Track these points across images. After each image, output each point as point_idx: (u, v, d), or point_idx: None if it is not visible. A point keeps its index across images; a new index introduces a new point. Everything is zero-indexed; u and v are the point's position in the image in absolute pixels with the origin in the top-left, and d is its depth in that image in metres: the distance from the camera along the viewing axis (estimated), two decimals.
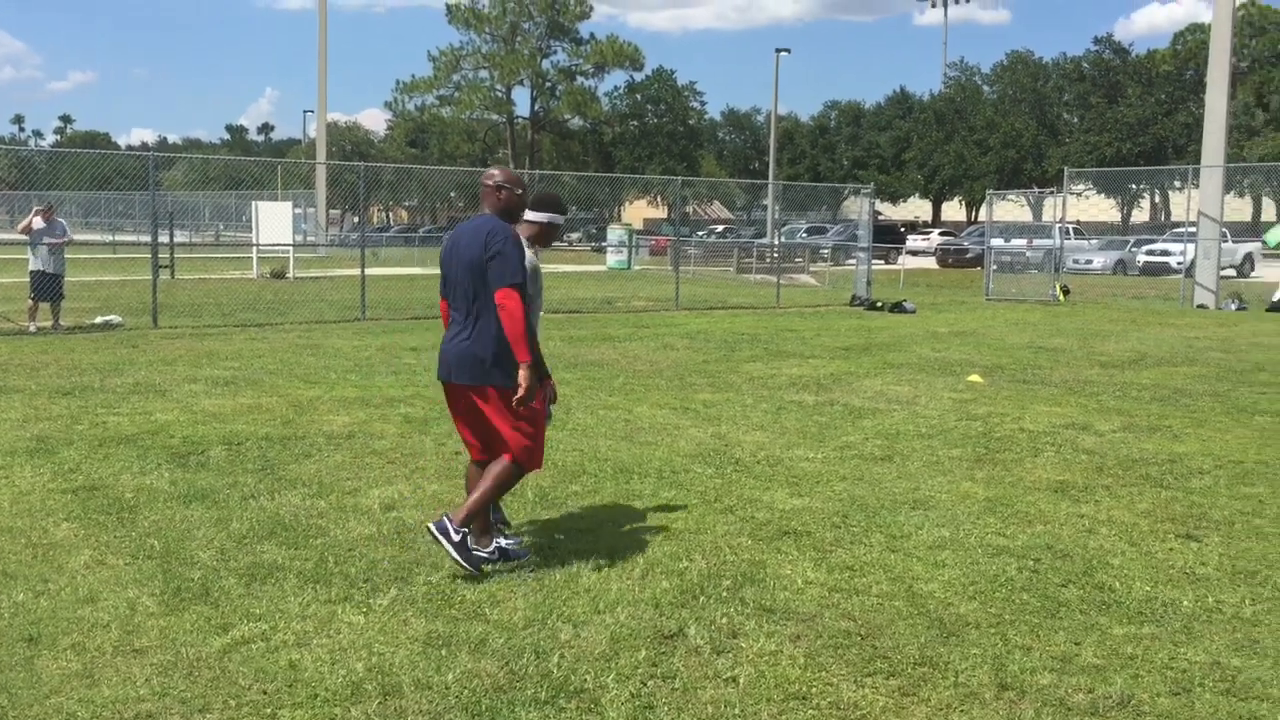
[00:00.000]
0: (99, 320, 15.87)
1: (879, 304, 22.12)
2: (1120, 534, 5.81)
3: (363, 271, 18.50)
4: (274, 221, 27.54)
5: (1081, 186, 61.11)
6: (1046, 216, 45.79)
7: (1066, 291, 25.50)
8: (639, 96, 74.81)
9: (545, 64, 68.20)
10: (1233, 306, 23.29)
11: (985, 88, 74.24)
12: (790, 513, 6.13)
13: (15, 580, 4.88)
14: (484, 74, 67.95)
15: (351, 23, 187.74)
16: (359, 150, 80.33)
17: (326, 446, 7.71)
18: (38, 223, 15.12)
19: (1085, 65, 66.97)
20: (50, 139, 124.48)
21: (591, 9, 67.75)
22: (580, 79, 68.87)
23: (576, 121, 71.55)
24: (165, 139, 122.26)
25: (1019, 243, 31.98)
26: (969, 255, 42.68)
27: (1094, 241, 44.21)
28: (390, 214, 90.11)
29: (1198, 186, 25.25)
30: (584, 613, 4.53)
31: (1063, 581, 5.02)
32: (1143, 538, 5.74)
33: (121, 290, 21.46)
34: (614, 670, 3.98)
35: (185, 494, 6.35)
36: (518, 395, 4.84)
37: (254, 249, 29.19)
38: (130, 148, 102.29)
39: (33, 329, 14.83)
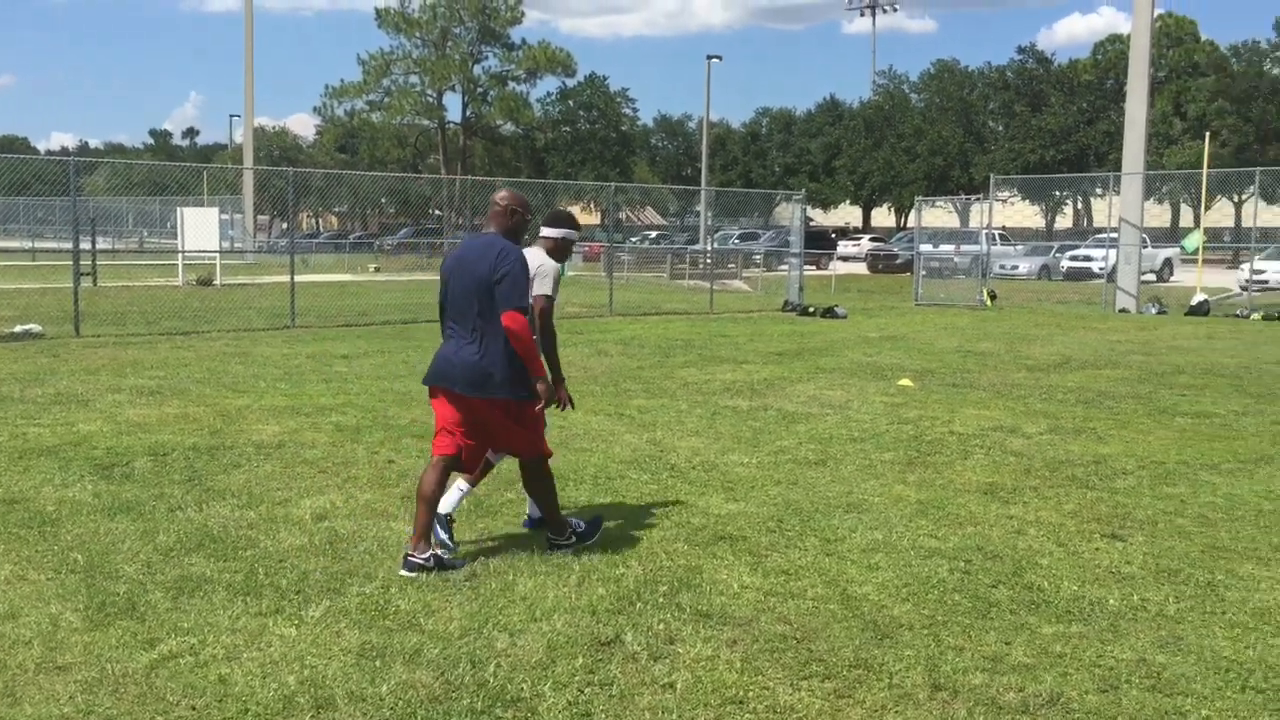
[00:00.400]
0: (18, 329, 15.45)
1: (811, 309, 22.33)
2: (1048, 534, 5.92)
3: (292, 278, 18.25)
4: (200, 228, 27.04)
5: (1007, 193, 62.19)
6: (973, 223, 46.54)
7: (993, 296, 25.95)
8: (571, 103, 74.77)
9: (477, 69, 67.79)
10: (1153, 310, 23.87)
11: (913, 96, 75.35)
12: (726, 518, 6.16)
13: None
14: (415, 79, 67.36)
15: (279, 26, 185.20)
16: (287, 156, 79.25)
17: (256, 456, 7.58)
18: None
19: (1009, 74, 68.25)
20: None
21: (523, 15, 67.58)
22: (512, 85, 68.58)
23: (509, 127, 71.22)
24: (86, 143, 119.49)
25: (947, 249, 32.51)
26: (899, 261, 43.27)
27: (1019, 247, 45.08)
28: (320, 220, 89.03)
29: (1119, 193, 25.86)
30: (520, 621, 4.51)
31: (993, 582, 5.10)
32: (1070, 538, 5.85)
33: (42, 298, 20.94)
34: (551, 678, 3.96)
35: (109, 506, 6.21)
36: (539, 406, 5.23)
37: (179, 255, 28.64)
38: (50, 152, 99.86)
39: None
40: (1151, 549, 5.66)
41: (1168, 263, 39.16)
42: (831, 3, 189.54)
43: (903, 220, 73.33)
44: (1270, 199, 56.65)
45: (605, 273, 26.44)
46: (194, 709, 3.71)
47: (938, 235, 35.13)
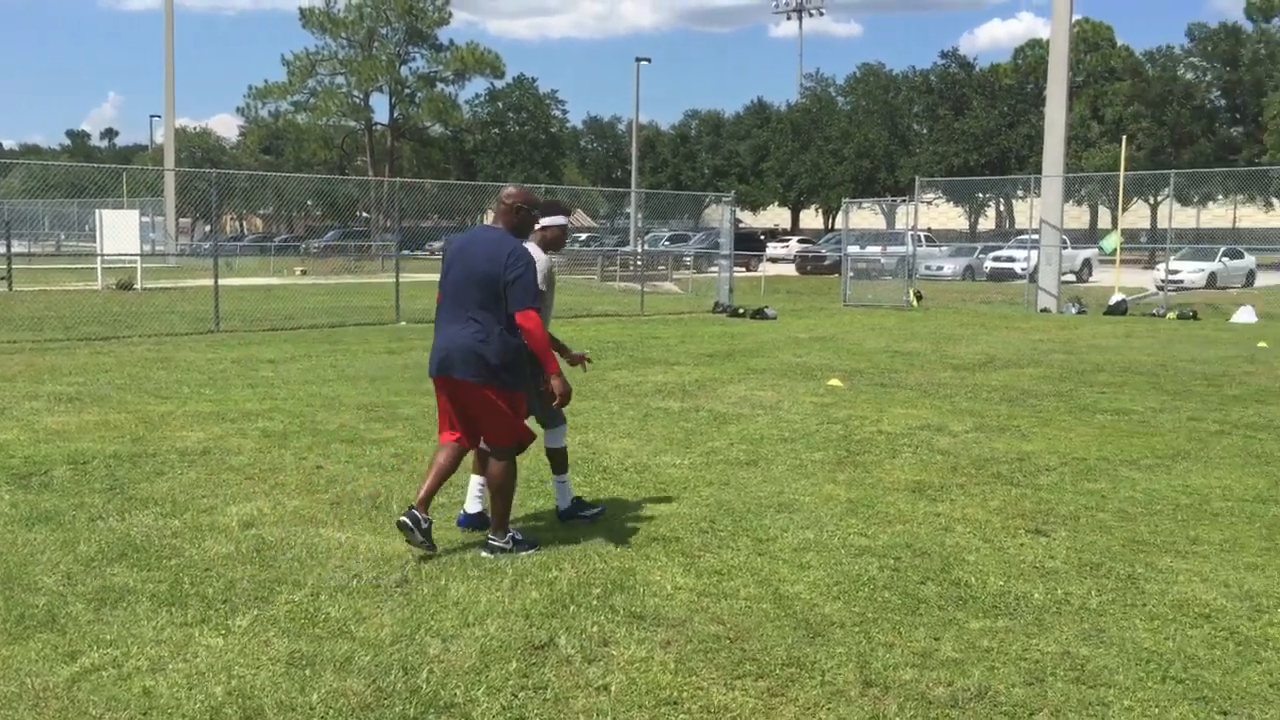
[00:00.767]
0: None
1: (741, 310, 22.47)
2: (975, 531, 6.01)
3: (216, 282, 17.93)
4: (120, 230, 26.45)
5: (931, 195, 63.08)
6: (899, 224, 47.23)
7: (919, 297, 26.34)
8: (500, 104, 74.47)
9: (404, 70, 67.27)
10: (1073, 310, 24.40)
11: (839, 99, 76.23)
12: (658, 519, 6.17)
13: None
14: (341, 80, 66.64)
15: (200, 25, 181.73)
16: (210, 157, 77.84)
17: (180, 464, 7.44)
18: None
19: (933, 78, 69.36)
20: None
21: (450, 16, 67.23)
22: (440, 86, 68.15)
23: (437, 129, 70.75)
24: (0, 145, 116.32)
25: (874, 250, 32.93)
26: (827, 262, 43.73)
27: (944, 249, 45.79)
28: (244, 223, 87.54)
29: (1039, 195, 26.41)
30: (453, 626, 4.47)
31: (922, 579, 5.17)
32: (995, 534, 5.96)
33: None
34: (484, 683, 3.94)
35: (27, 516, 6.04)
36: (555, 403, 5.42)
37: (99, 259, 27.98)
38: None
39: None
40: (1074, 544, 5.78)
41: (1087, 263, 40.08)
42: (758, 6, 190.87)
43: (831, 222, 74.12)
44: (1184, 201, 58.25)
45: None
46: None
47: (865, 237, 35.57)
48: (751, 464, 7.69)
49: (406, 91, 67.76)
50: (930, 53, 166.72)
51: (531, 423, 5.78)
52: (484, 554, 5.38)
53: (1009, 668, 4.13)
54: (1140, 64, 60.83)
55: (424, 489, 5.40)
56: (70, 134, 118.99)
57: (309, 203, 74.78)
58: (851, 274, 28.16)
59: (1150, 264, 40.88)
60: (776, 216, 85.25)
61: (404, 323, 19.15)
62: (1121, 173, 27.09)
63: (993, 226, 71.99)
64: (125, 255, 27.22)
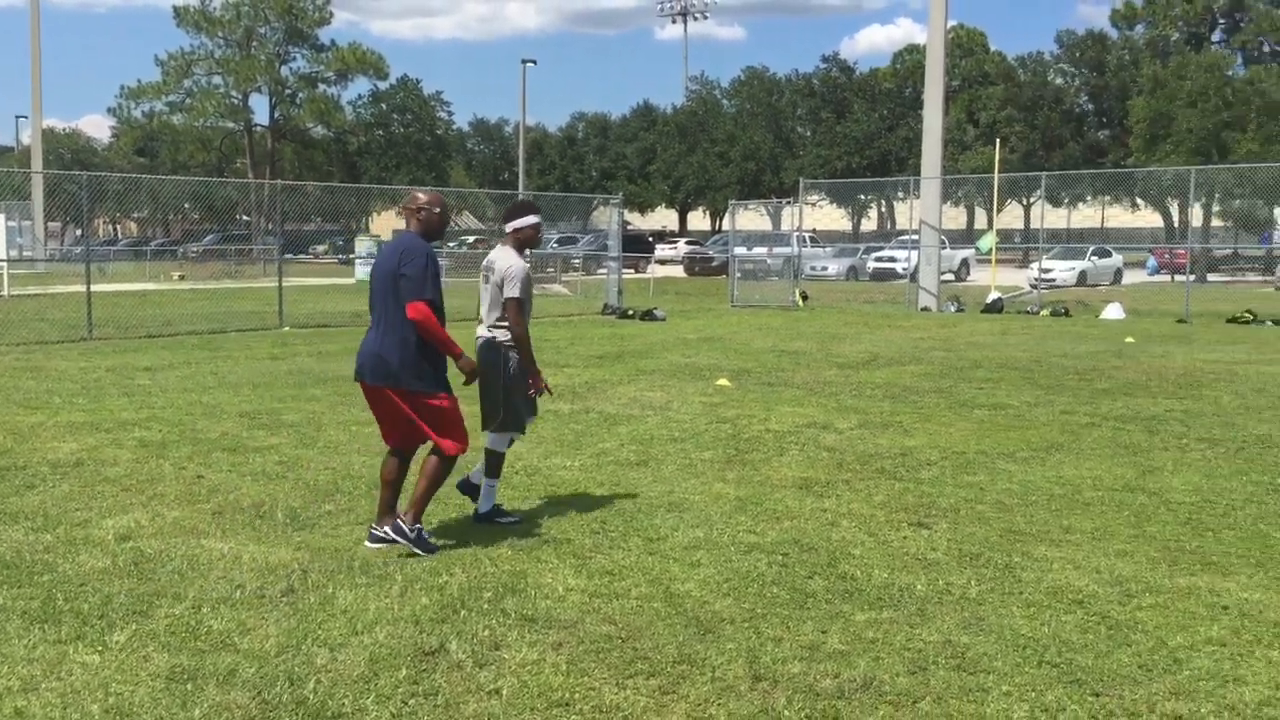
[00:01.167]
0: None
1: (630, 312, 22.55)
2: (860, 525, 6.14)
3: (88, 287, 17.30)
4: None
5: (815, 197, 64.20)
6: (785, 226, 47.92)
7: (805, 297, 26.78)
8: (384, 105, 73.29)
9: (284, 70, 65.71)
10: (952, 309, 25.08)
11: (725, 102, 77.02)
12: (550, 521, 6.16)
13: None
14: (218, 80, 64.86)
15: (69, 22, 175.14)
16: (80, 159, 75.03)
17: (52, 476, 7.16)
18: None
19: (815, 82, 70.61)
20: None
21: (331, 15, 65.99)
22: (322, 87, 66.79)
23: (319, 130, 69.34)
24: None
25: (760, 251, 33.37)
26: (714, 263, 44.16)
27: (829, 249, 46.66)
28: (118, 226, 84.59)
29: (919, 197, 27.08)
30: (341, 635, 4.40)
31: (809, 573, 5.27)
32: (880, 528, 6.10)
33: None
34: (373, 692, 3.88)
35: None
36: (463, 381, 5.60)
37: None
38: None
39: None
40: (955, 535, 5.95)
41: (965, 263, 41.24)
42: (643, 9, 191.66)
43: (718, 223, 74.88)
44: (1055, 202, 60.33)
45: None
46: None
47: (751, 238, 36.02)
48: (642, 464, 7.73)
49: (287, 92, 66.26)
50: (812, 56, 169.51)
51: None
52: (386, 531, 5.47)
53: (893, 658, 4.23)
54: (1012, 69, 62.79)
55: (380, 504, 5.64)
56: None
57: (186, 206, 72.60)
58: (739, 275, 28.49)
59: (1024, 263, 42.29)
60: (664, 218, 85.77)
61: (288, 328, 18.75)
62: (996, 175, 27.96)
63: (875, 227, 73.63)
64: None
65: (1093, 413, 9.99)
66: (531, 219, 6.11)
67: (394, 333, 5.40)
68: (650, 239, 53.04)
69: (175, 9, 62.65)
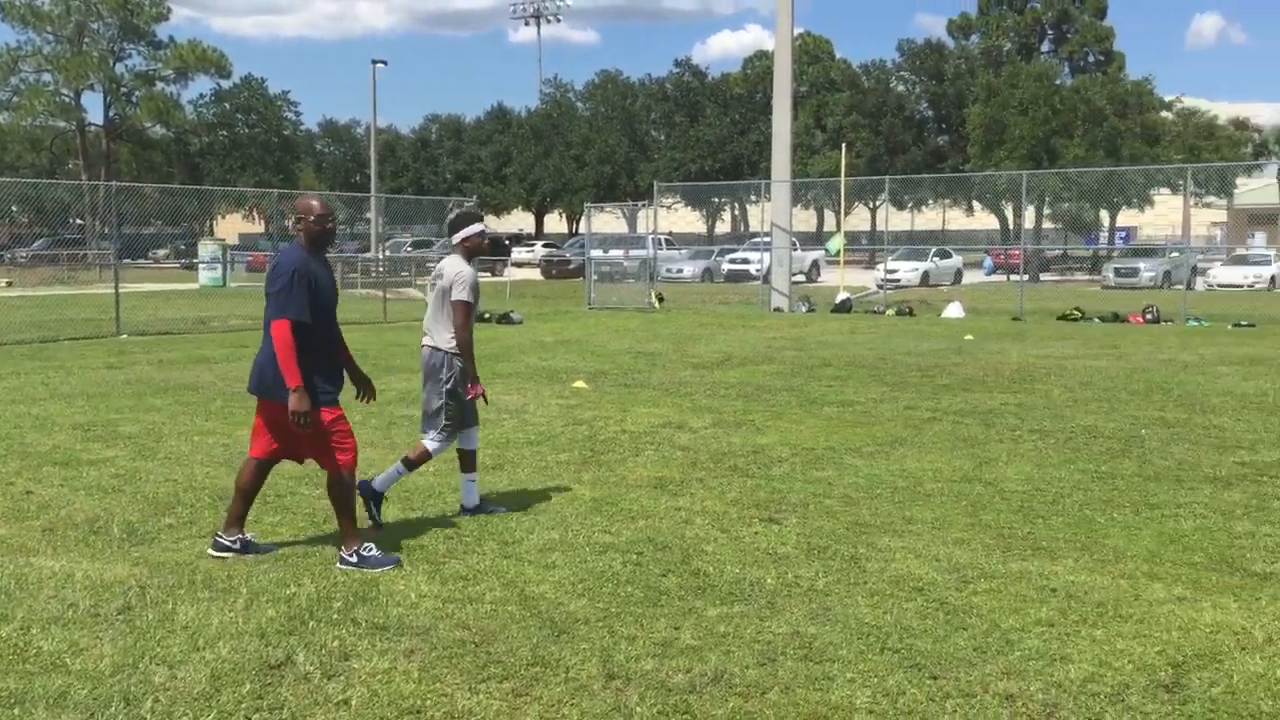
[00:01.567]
0: None
1: (486, 315, 22.38)
2: (713, 522, 6.24)
3: None
4: None
5: (670, 200, 64.99)
6: (641, 228, 48.29)
7: (661, 299, 27.04)
8: (228, 105, 71.03)
9: (119, 68, 63.09)
10: (803, 309, 25.67)
11: (579, 105, 77.17)
12: (402, 528, 6.08)
13: None
14: (48, 77, 61.84)
15: None
16: None
17: None
18: None
19: (669, 86, 71.35)
20: None
21: (170, 11, 63.59)
22: (161, 85, 64.35)
23: (158, 130, 66.77)
24: None
25: (617, 254, 33.54)
26: (572, 266, 44.18)
27: (684, 252, 47.20)
28: None
29: (770, 200, 27.62)
30: (181, 651, 4.26)
31: (663, 571, 5.33)
32: (732, 524, 6.20)
33: None
34: (215, 709, 3.77)
35: None
36: (290, 418, 5.22)
37: None
38: None
39: None
40: (804, 529, 6.09)
41: (815, 264, 42.27)
42: (496, 10, 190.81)
43: (575, 226, 74.96)
44: (899, 205, 62.30)
45: None
46: None
47: (608, 241, 36.18)
48: (497, 468, 7.69)
49: (123, 91, 63.61)
50: (665, 61, 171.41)
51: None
52: (338, 566, 5.33)
53: (743, 650, 4.31)
54: (857, 76, 64.64)
55: (230, 513, 5.54)
56: None
57: (14, 209, 68.98)
58: (595, 277, 28.59)
59: (871, 264, 43.55)
60: (521, 221, 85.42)
61: (126, 335, 18.00)
62: (843, 178, 28.73)
63: (729, 230, 74.78)
64: None
65: (934, 408, 10.36)
66: (477, 227, 6.32)
67: (269, 346, 5.34)
68: (507, 242, 52.70)
69: (0, 4, 59.50)
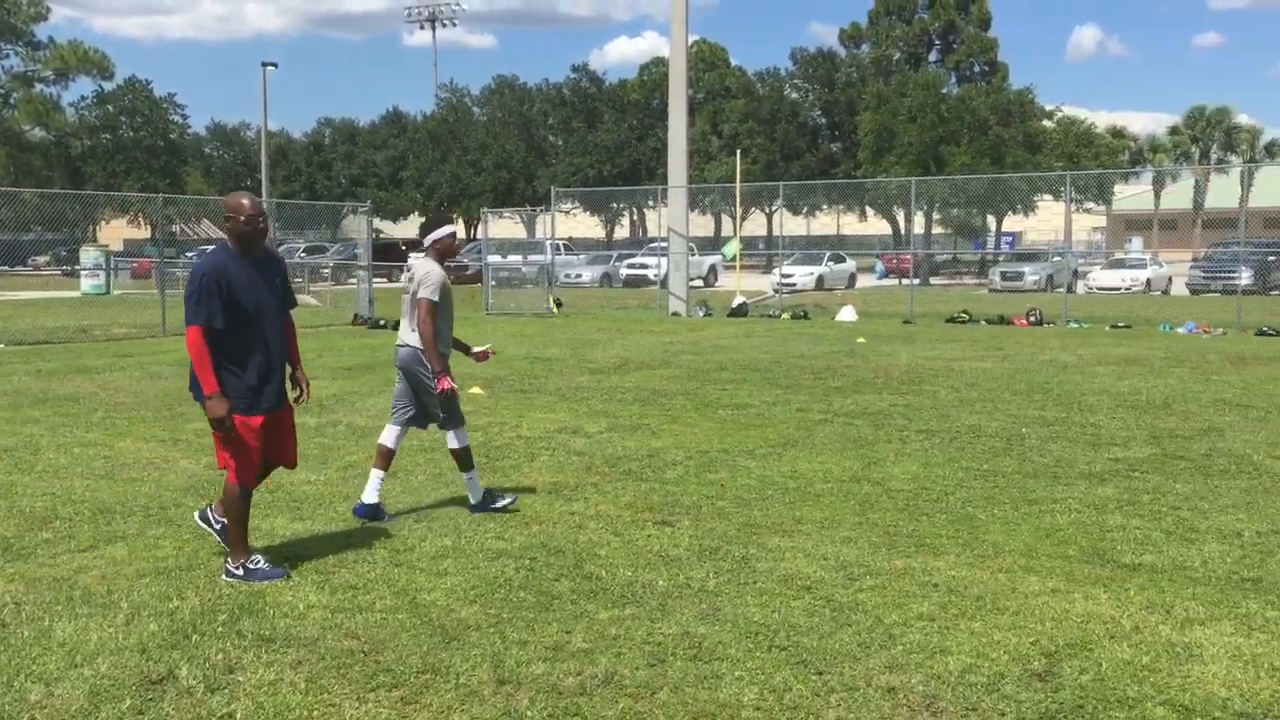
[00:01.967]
0: None
1: (383, 322, 22.13)
2: (606, 526, 6.28)
3: None
4: None
5: (569, 205, 64.95)
6: (539, 234, 48.21)
7: (560, 304, 27.02)
8: (111, 107, 68.87)
9: None
10: (701, 313, 25.90)
11: (476, 110, 76.64)
12: (292, 537, 6.00)
13: None
14: None
15: None
16: None
17: None
18: None
19: (566, 91, 71.30)
20: None
21: (49, 10, 61.51)
22: (40, 86, 62.17)
23: (37, 133, 64.46)
24: None
25: (515, 259, 33.43)
26: (469, 271, 43.83)
27: (582, 257, 47.25)
28: None
29: (667, 205, 27.82)
30: (59, 668, 4.14)
31: (556, 576, 5.35)
32: (626, 528, 6.25)
33: None
34: None
35: None
36: (216, 429, 5.19)
37: None
38: None
39: None
40: (696, 531, 6.17)
41: (713, 269, 42.68)
42: (391, 13, 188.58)
43: (472, 232, 74.39)
44: (794, 210, 63.19)
45: (158, 290, 24.64)
46: None
47: (505, 246, 36.04)
48: (390, 476, 7.58)
49: (0, 92, 61.33)
50: (562, 66, 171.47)
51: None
52: (223, 579, 5.22)
53: (634, 652, 4.36)
54: (752, 84, 65.45)
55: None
56: None
57: None
58: (494, 283, 28.45)
59: (768, 269, 44.13)
60: (418, 226, 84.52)
61: (2, 345, 17.36)
62: (738, 184, 29.09)
63: (628, 235, 75.01)
64: None
65: (826, 409, 10.56)
66: (448, 229, 6.61)
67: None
68: (403, 247, 52.09)
69: None
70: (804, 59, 64.38)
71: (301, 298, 30.85)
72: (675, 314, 26.03)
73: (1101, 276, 38.05)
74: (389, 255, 43.14)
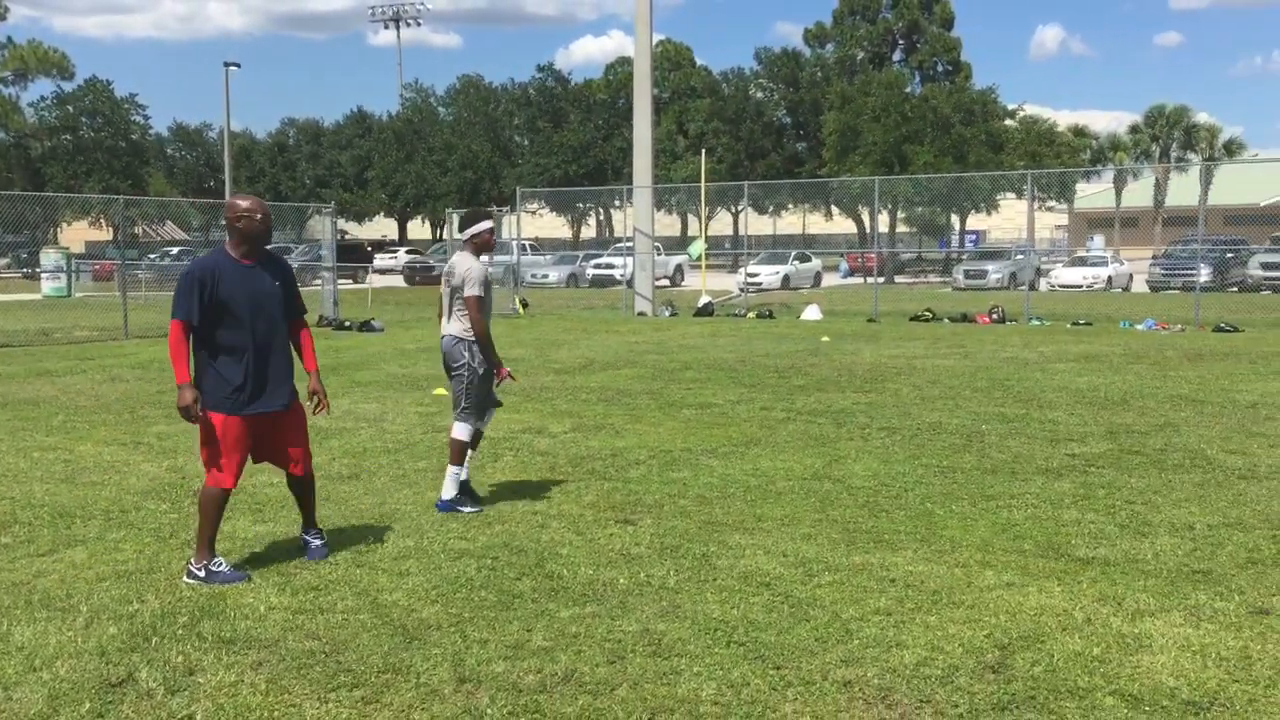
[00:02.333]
0: None
1: (348, 323, 22.04)
2: (569, 525, 6.32)
3: None
4: None
5: (535, 205, 64.91)
6: (505, 234, 48.13)
7: (526, 304, 27.00)
8: (71, 108, 68.12)
9: None
10: (666, 313, 25.96)
11: (441, 110, 76.38)
12: (253, 540, 5.99)
13: None
14: None
15: None
16: None
17: None
18: None
19: (532, 91, 71.22)
20: None
21: (7, 10, 60.83)
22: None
23: None
24: None
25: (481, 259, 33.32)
26: (436, 273, 43.72)
27: (549, 257, 47.22)
28: None
29: (633, 205, 27.86)
30: (16, 673, 4.13)
31: (517, 575, 5.38)
32: (588, 527, 6.29)
33: None
34: None
35: None
36: (189, 418, 5.23)
37: None
38: None
39: None
40: (658, 529, 6.21)
41: (679, 269, 42.79)
42: (355, 12, 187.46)
43: (439, 232, 74.14)
44: (760, 210, 63.49)
45: (119, 293, 24.42)
46: None
47: None
48: (353, 477, 7.63)
49: None
50: (528, 66, 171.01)
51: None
52: (184, 580, 5.25)
53: (594, 649, 4.40)
54: (717, 83, 65.66)
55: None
56: None
57: None
58: None
59: (734, 268, 44.29)
60: (384, 227, 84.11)
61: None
62: (703, 184, 29.17)
63: (594, 235, 75.04)
64: None
65: (788, 408, 10.64)
66: (486, 224, 6.77)
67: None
68: (369, 248, 51.89)
69: None
70: (769, 58, 64.66)
71: None
72: (641, 314, 26.08)
73: (1063, 274, 38.48)
74: (354, 256, 42.98)
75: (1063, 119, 62.21)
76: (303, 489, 5.73)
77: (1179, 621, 4.69)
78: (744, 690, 4.02)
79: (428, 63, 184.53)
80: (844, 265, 51.47)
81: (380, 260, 50.30)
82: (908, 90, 54.73)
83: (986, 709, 3.87)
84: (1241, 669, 4.20)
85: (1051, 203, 58.63)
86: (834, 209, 62.31)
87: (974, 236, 61.53)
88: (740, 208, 60.82)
